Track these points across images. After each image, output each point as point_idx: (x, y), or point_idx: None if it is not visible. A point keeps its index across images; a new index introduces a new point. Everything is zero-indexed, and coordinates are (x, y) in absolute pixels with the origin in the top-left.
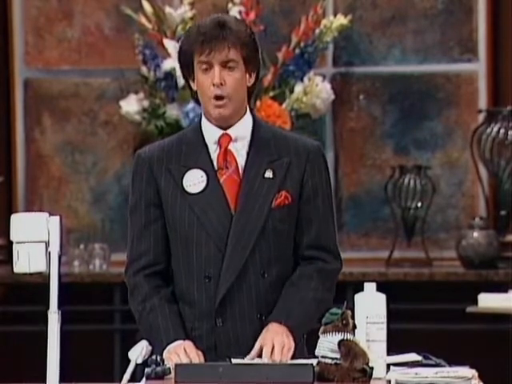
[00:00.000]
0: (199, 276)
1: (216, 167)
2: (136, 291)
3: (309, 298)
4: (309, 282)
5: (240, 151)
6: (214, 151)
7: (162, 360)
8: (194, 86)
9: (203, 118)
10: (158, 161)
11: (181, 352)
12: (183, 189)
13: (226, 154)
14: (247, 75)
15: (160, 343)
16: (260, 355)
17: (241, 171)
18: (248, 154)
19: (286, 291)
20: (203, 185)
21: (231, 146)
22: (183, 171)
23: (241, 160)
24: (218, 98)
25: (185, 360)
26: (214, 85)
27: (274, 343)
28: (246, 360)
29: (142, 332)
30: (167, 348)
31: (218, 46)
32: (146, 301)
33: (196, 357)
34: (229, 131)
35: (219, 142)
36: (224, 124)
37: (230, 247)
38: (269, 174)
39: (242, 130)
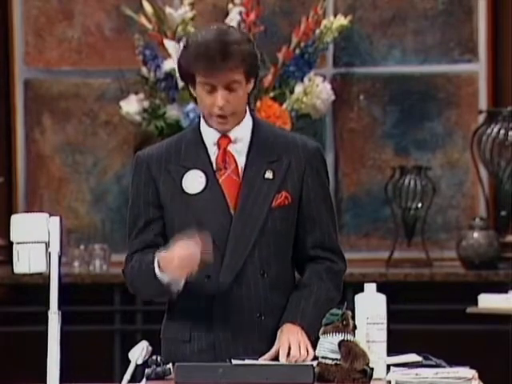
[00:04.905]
0: (199, 275)
1: (215, 168)
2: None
3: (321, 298)
4: (320, 282)
5: (240, 152)
6: (214, 152)
7: (163, 361)
8: (194, 93)
9: (202, 120)
10: (156, 161)
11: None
12: (182, 189)
13: (224, 154)
14: (248, 84)
15: (151, 265)
16: (276, 357)
17: (241, 172)
18: (248, 154)
19: (298, 292)
20: (202, 185)
21: (230, 147)
22: (182, 172)
23: (241, 161)
24: (221, 117)
25: (194, 248)
26: (216, 106)
27: (290, 342)
28: (260, 361)
29: (134, 281)
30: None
31: (222, 70)
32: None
33: (199, 242)
34: (228, 133)
35: (218, 143)
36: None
37: (230, 247)
38: (269, 174)
39: (242, 131)
